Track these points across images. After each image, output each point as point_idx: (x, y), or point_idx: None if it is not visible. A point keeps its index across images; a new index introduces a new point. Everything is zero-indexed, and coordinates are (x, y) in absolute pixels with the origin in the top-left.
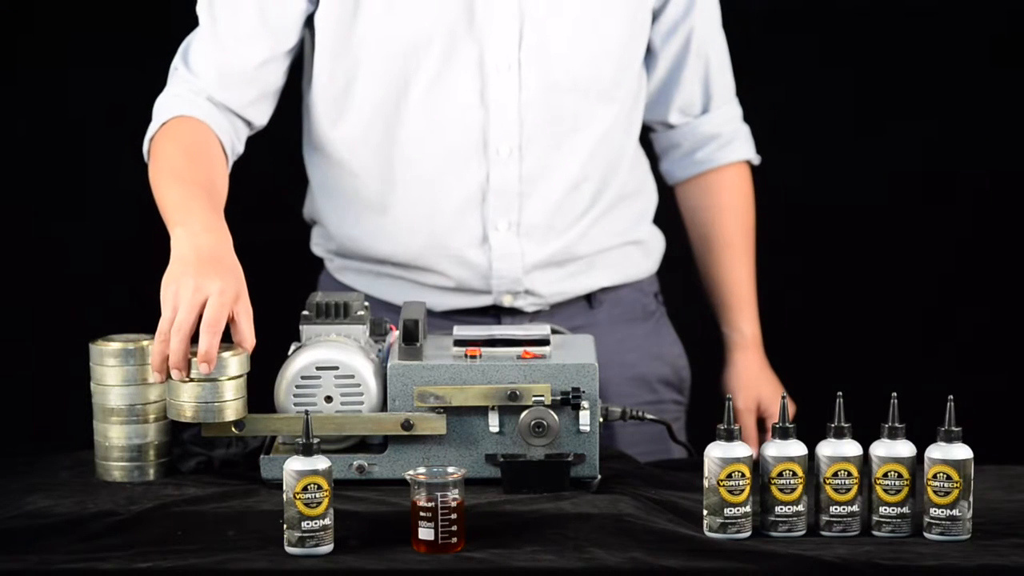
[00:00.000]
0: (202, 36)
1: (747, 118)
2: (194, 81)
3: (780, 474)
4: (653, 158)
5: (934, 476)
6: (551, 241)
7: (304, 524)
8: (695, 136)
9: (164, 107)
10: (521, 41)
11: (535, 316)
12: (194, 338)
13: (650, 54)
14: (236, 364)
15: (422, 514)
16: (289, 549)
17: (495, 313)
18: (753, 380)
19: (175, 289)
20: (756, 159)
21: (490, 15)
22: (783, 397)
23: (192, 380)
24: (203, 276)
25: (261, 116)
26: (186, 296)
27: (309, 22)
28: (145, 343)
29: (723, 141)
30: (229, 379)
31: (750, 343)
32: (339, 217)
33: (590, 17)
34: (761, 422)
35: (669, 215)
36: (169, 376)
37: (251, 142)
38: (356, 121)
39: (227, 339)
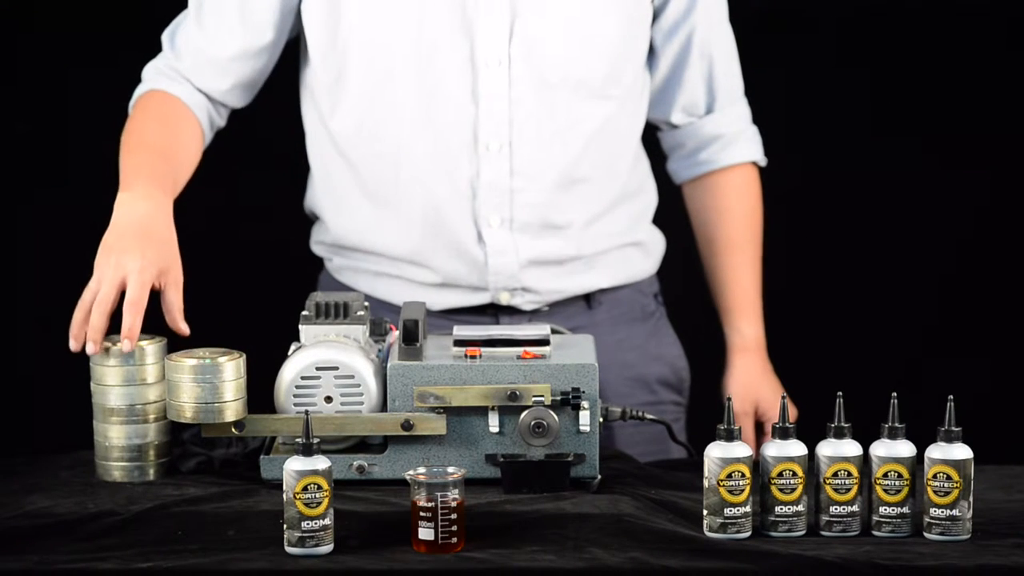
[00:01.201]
0: (188, 20)
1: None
2: (175, 61)
3: (780, 474)
4: (659, 157)
5: (934, 476)
6: (546, 238)
7: (304, 524)
8: (699, 136)
9: (148, 76)
10: (511, 37)
11: (533, 315)
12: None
13: (652, 53)
14: (232, 368)
15: (422, 514)
16: (289, 549)
17: (493, 311)
18: (752, 383)
19: (102, 263)
20: (762, 160)
21: (480, 10)
22: (783, 397)
23: (108, 351)
24: (125, 252)
25: (238, 101)
26: (108, 273)
27: (300, 15)
28: (144, 343)
29: (727, 142)
30: (228, 381)
31: (751, 345)
32: (336, 209)
33: (583, 13)
34: (760, 425)
35: (670, 215)
36: (84, 349)
37: (251, 142)
38: (349, 112)
39: (225, 344)
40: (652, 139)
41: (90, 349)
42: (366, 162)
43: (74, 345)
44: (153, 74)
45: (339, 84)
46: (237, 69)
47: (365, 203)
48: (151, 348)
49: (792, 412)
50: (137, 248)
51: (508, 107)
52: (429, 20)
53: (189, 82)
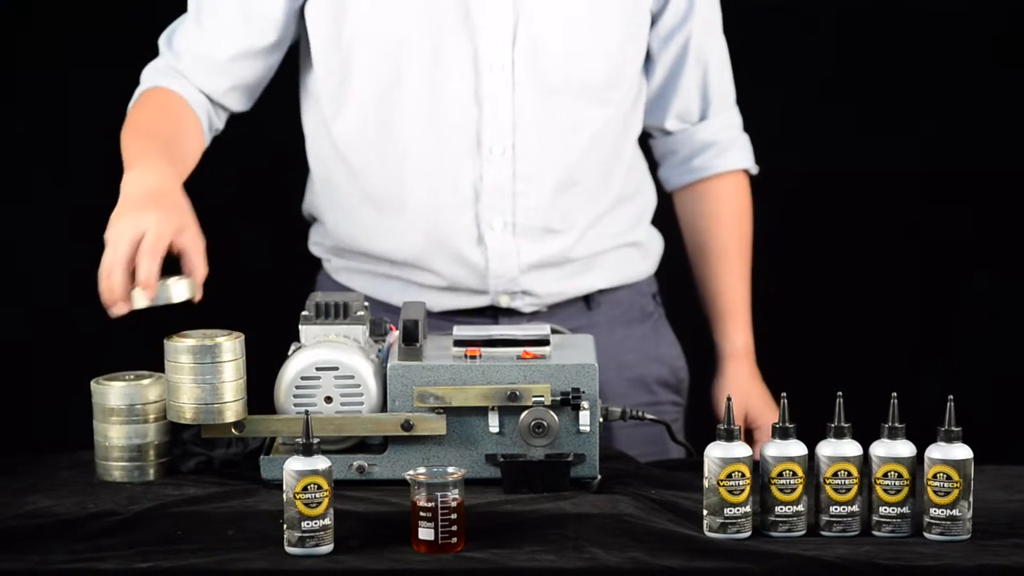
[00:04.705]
0: (186, 22)
1: (745, 120)
2: (173, 61)
3: (780, 474)
4: (652, 163)
5: (934, 476)
6: (548, 242)
7: (304, 524)
8: (692, 143)
9: (147, 77)
10: (515, 40)
11: (533, 317)
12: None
13: (648, 59)
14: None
15: (422, 514)
16: (289, 549)
17: (492, 314)
18: (741, 390)
19: (114, 228)
20: (754, 168)
21: (483, 14)
22: (783, 397)
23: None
24: (141, 211)
25: (237, 104)
26: (125, 231)
27: (303, 16)
28: (223, 338)
29: (720, 149)
30: (228, 382)
31: (740, 353)
32: (336, 213)
33: (585, 18)
34: (749, 433)
35: (669, 217)
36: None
37: (251, 142)
38: (352, 116)
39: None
40: (644, 145)
41: (117, 311)
42: (368, 166)
43: (113, 311)
44: (152, 74)
45: (342, 88)
46: (236, 70)
47: (366, 207)
48: (229, 345)
49: None
50: (153, 207)
51: (511, 111)
52: (433, 23)
53: (188, 81)
